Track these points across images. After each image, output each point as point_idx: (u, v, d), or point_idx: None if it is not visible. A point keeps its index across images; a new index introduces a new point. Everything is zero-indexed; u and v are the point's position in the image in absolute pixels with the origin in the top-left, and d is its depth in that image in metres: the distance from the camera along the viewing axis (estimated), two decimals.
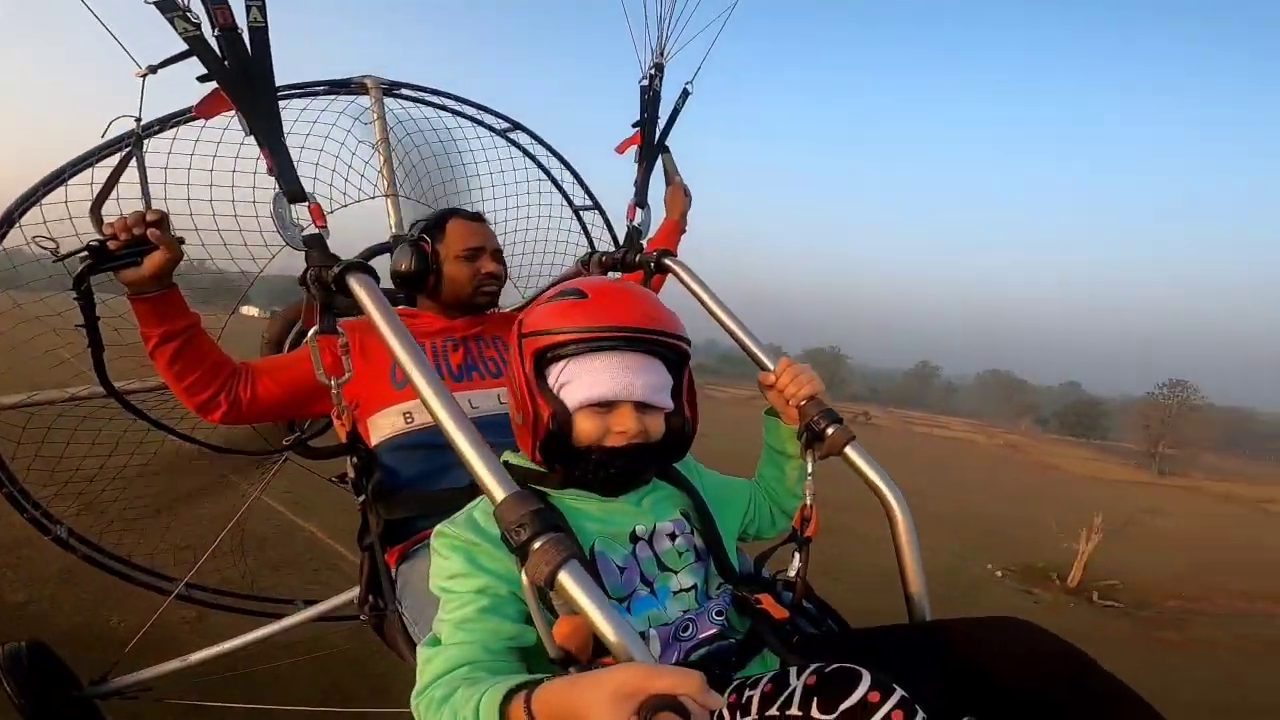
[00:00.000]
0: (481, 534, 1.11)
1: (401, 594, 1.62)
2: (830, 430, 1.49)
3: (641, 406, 1.19)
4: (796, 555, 1.49)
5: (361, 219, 2.46)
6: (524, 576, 0.98)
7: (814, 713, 0.93)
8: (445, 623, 1.05)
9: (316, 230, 1.48)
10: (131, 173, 1.55)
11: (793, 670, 1.00)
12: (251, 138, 1.43)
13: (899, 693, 0.91)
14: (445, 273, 1.92)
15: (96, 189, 1.54)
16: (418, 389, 1.20)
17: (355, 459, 1.64)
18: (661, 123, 2.14)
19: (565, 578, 0.95)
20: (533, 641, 1.08)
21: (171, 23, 1.34)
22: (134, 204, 1.54)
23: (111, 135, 1.78)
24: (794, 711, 0.94)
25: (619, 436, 1.17)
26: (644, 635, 1.16)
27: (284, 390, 1.75)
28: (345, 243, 1.63)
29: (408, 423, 1.77)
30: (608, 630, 0.94)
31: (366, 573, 1.70)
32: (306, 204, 1.46)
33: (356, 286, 1.37)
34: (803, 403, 1.51)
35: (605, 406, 1.17)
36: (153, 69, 1.45)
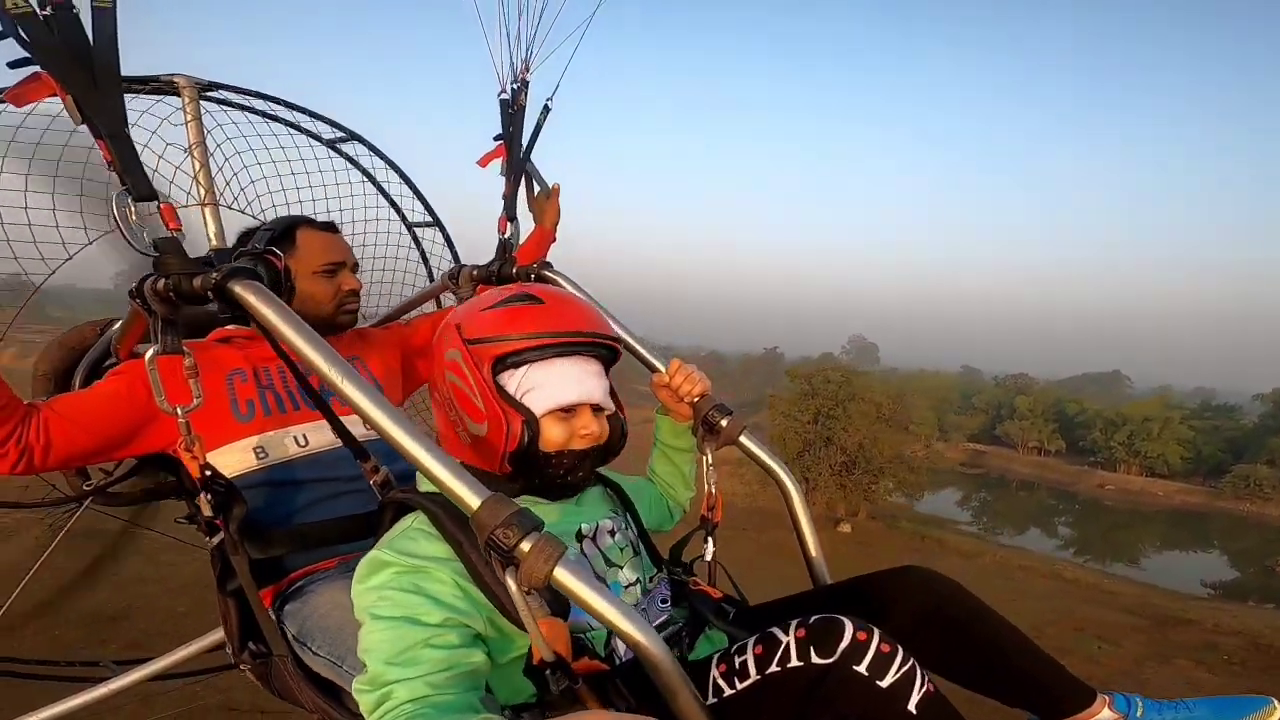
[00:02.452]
0: (420, 555, 1.06)
1: (306, 635, 1.45)
2: (724, 422, 1.61)
3: (595, 409, 1.23)
4: (709, 540, 1.61)
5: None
6: (511, 583, 0.95)
7: (814, 659, 1.02)
8: (383, 661, 0.98)
9: (170, 234, 1.30)
10: None
11: (776, 629, 1.08)
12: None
13: (877, 631, 1.03)
14: (300, 290, 1.72)
15: None
16: (353, 400, 1.10)
17: (210, 496, 1.43)
18: (526, 137, 2.16)
19: (562, 573, 0.95)
20: (482, 662, 1.06)
21: None
22: None
23: None
24: (795, 662, 1.03)
25: (584, 439, 1.20)
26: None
27: (90, 434, 1.48)
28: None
29: (260, 459, 1.59)
30: (611, 615, 0.96)
31: (236, 619, 1.52)
32: (157, 204, 1.29)
33: (248, 295, 1.22)
34: (696, 399, 1.62)
35: (567, 411, 1.19)
36: None
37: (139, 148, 1.99)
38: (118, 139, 1.25)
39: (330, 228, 1.88)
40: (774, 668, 1.05)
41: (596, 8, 2.12)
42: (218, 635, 1.90)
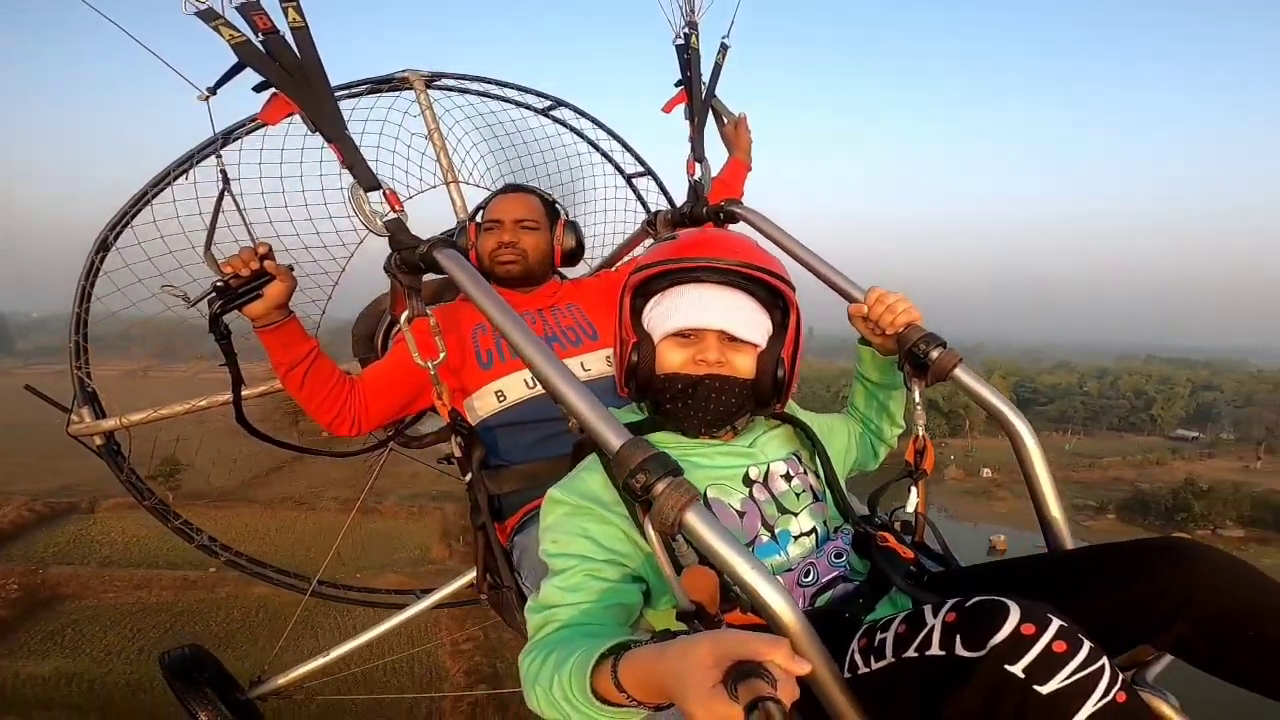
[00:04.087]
0: (589, 497, 1.10)
1: (519, 566, 1.65)
2: (935, 354, 1.40)
3: (730, 341, 1.18)
4: (913, 490, 1.43)
5: (432, 211, 2.51)
6: (648, 526, 0.96)
7: (959, 650, 0.85)
8: (551, 586, 1.05)
9: (395, 215, 1.49)
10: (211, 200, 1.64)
11: (927, 608, 0.93)
12: (317, 136, 1.46)
13: (1056, 621, 0.82)
14: (478, 247, 1.95)
15: (186, 220, 1.63)
16: (517, 348, 1.20)
17: (459, 439, 1.67)
18: (706, 78, 2.10)
19: (693, 519, 0.92)
20: (636, 602, 1.08)
21: (217, 30, 1.35)
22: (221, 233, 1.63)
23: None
24: (935, 651, 0.87)
25: (700, 364, 1.16)
26: None
27: (391, 397, 1.81)
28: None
29: (500, 401, 1.79)
30: (741, 569, 0.90)
31: (482, 551, 1.74)
32: (381, 191, 1.47)
33: (445, 261, 1.39)
34: (902, 329, 1.43)
35: (691, 337, 1.18)
36: (212, 90, 1.49)
37: (391, 140, 2.37)
38: (342, 140, 1.45)
39: (510, 189, 2.04)
40: (911, 652, 0.90)
41: None
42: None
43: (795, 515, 1.21)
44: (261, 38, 1.37)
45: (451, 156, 2.52)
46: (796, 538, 1.20)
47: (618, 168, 3.11)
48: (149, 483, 2.29)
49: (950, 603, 0.91)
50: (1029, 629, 0.82)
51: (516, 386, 1.81)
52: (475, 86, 2.60)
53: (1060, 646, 0.81)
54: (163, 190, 2.01)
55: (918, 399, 1.45)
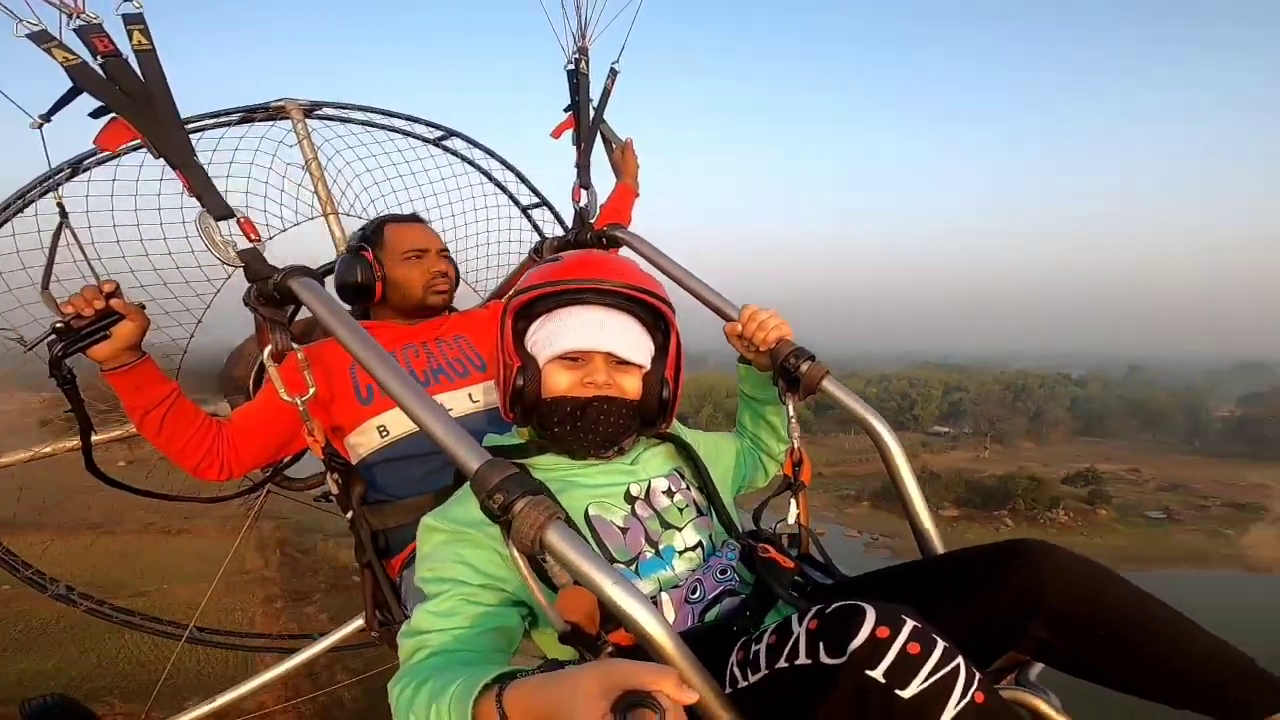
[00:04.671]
0: (466, 522, 1.07)
1: (406, 600, 1.58)
2: (805, 367, 1.44)
3: (616, 363, 1.18)
4: (793, 502, 1.46)
5: (308, 244, 2.42)
6: (510, 547, 0.93)
7: (823, 658, 0.85)
8: (424, 611, 1.02)
9: (250, 244, 1.42)
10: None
11: (793, 617, 0.93)
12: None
13: (910, 623, 0.83)
14: (393, 278, 1.87)
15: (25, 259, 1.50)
16: (374, 375, 1.17)
17: (335, 475, 1.61)
18: (595, 104, 2.14)
19: (554, 537, 0.90)
20: (515, 625, 1.06)
21: (49, 53, 1.27)
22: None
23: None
24: (803, 660, 0.88)
25: (588, 387, 1.17)
26: (655, 600, 1.12)
27: (263, 437, 1.72)
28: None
29: (383, 436, 1.73)
30: (605, 586, 0.89)
31: (370, 588, 1.67)
32: (235, 219, 1.41)
33: (301, 290, 1.33)
34: (773, 344, 1.47)
35: (578, 360, 1.18)
36: (46, 117, 1.41)
37: (263, 170, 2.28)
38: (188, 167, 1.38)
39: (413, 219, 2.00)
40: (782, 663, 0.90)
41: None
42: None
43: (679, 530, 1.21)
44: (101, 60, 1.29)
45: (331, 188, 2.45)
46: (681, 553, 1.19)
47: (513, 199, 3.11)
48: None
49: (813, 610, 0.91)
50: (884, 632, 0.82)
51: (402, 421, 1.75)
52: (359, 116, 2.54)
53: (914, 648, 0.81)
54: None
55: (791, 412, 1.48)
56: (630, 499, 1.21)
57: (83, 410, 1.58)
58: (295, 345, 1.50)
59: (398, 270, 1.87)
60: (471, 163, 2.95)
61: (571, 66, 2.11)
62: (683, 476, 1.30)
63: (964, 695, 0.80)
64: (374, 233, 1.92)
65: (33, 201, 1.86)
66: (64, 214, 1.55)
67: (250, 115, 2.23)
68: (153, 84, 1.33)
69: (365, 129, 2.57)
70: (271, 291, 1.39)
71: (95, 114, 1.33)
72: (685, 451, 1.34)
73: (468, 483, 1.13)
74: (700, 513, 1.27)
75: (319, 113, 2.42)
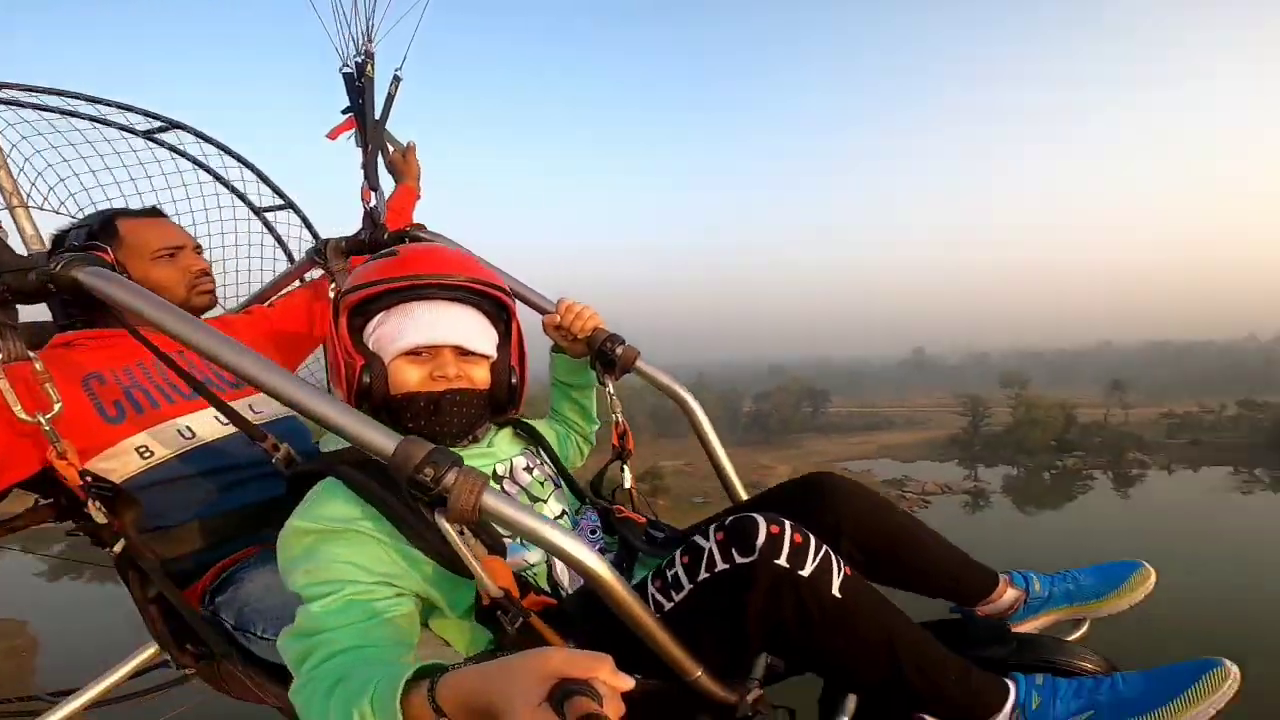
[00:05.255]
0: (337, 519, 1.05)
1: (246, 623, 1.37)
2: (619, 350, 1.64)
3: (464, 355, 1.23)
4: (624, 469, 1.66)
5: None
6: (441, 520, 0.95)
7: (738, 560, 1.02)
8: (314, 610, 0.98)
9: None
10: None
11: (697, 536, 1.08)
12: None
13: (787, 522, 1.04)
14: (143, 280, 1.60)
15: None
16: (242, 372, 1.05)
17: (99, 503, 1.34)
18: (379, 108, 2.11)
19: (490, 500, 0.95)
20: (411, 613, 1.06)
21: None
22: None
23: None
24: (721, 566, 1.03)
25: (439, 380, 1.20)
26: (547, 565, 1.21)
27: None
28: None
29: (145, 458, 1.48)
30: (548, 534, 0.96)
31: (163, 624, 1.45)
32: None
33: (98, 283, 1.13)
34: (590, 332, 1.64)
35: (426, 354, 1.20)
36: None
37: None
38: None
39: (153, 213, 1.79)
40: (703, 574, 1.05)
41: None
42: (152, 649, 1.78)
43: (545, 502, 1.31)
44: None
45: (19, 177, 1.98)
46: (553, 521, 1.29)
47: (245, 200, 2.79)
48: None
49: (714, 525, 1.08)
50: (775, 529, 1.02)
51: (167, 440, 1.52)
52: (53, 101, 2.09)
53: (798, 538, 1.03)
54: None
55: (611, 390, 1.68)
56: (498, 479, 1.28)
57: None
58: (30, 353, 1.26)
59: (152, 272, 1.66)
60: (196, 160, 2.59)
61: (350, 69, 2.06)
62: (536, 454, 1.41)
63: (839, 569, 1.05)
64: (103, 229, 1.66)
65: None
66: None
67: None
68: None
69: (63, 116, 2.12)
70: (38, 285, 1.15)
71: None
72: (529, 432, 1.44)
73: (320, 483, 1.10)
74: (557, 485, 1.39)
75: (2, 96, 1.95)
